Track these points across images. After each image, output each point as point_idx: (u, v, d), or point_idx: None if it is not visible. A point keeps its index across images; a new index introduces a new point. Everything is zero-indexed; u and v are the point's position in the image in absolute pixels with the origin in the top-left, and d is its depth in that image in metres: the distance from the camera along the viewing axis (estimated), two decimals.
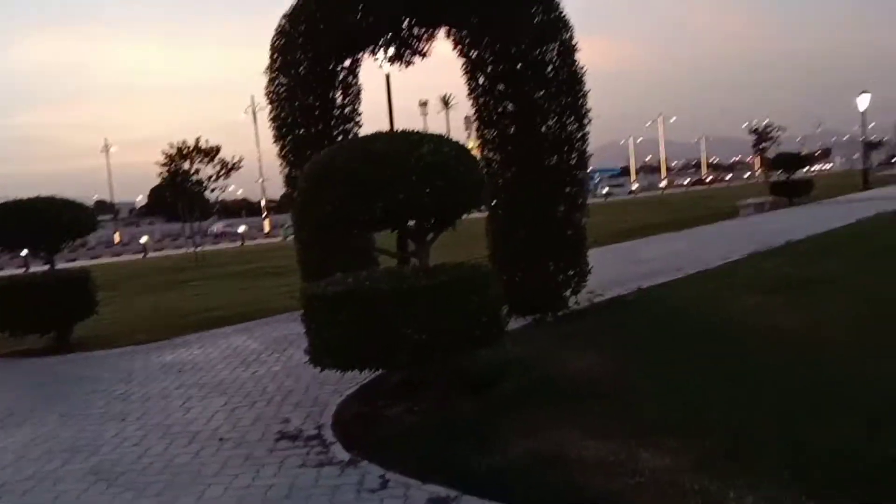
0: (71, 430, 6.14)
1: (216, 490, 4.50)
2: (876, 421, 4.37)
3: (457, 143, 5.61)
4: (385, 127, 14.05)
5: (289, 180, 12.12)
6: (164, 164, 30.99)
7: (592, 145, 9.56)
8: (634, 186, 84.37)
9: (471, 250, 12.19)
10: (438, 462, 4.35)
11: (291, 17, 11.57)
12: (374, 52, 10.97)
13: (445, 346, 5.20)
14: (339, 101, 12.04)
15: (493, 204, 9.28)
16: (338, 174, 5.13)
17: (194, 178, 31.15)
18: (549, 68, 9.18)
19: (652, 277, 11.64)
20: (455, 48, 9.65)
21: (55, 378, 8.45)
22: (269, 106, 12.04)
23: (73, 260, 32.68)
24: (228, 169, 32.03)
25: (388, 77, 13.79)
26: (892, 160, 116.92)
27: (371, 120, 12.63)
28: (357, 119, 12.24)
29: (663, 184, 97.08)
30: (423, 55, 10.95)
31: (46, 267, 10.59)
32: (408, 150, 5.20)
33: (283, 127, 11.95)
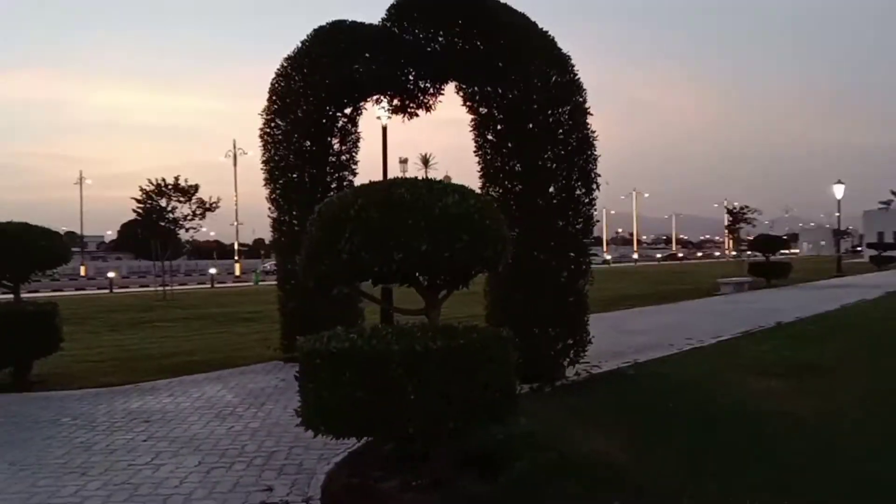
0: (23, 484, 5.45)
1: None
2: None
3: (481, 195, 5.23)
4: (377, 178, 13.71)
5: (277, 225, 11.69)
6: (140, 200, 30.28)
7: None
8: (608, 257, 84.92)
9: (462, 310, 11.77)
10: None
11: (294, 60, 11.30)
12: (377, 102, 10.68)
13: (458, 416, 4.70)
14: (336, 147, 11.73)
15: None
16: (355, 220, 4.69)
17: (170, 215, 30.42)
18: (560, 130, 8.95)
19: (646, 351, 11.28)
20: (465, 104, 9.38)
21: (9, 419, 7.71)
22: (263, 148, 11.66)
23: (35, 291, 31.55)
24: (205, 209, 31.38)
25: (384, 129, 13.49)
26: (857, 248, 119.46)
27: (363, 170, 12.31)
28: (353, 167, 11.92)
29: (636, 256, 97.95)
30: (429, 109, 10.69)
31: (9, 297, 9.90)
32: (432, 198, 4.79)
33: (276, 170, 11.56)
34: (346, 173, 11.82)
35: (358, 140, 11.95)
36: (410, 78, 10.46)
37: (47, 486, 5.37)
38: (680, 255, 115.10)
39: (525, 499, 4.70)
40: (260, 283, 49.39)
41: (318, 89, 11.14)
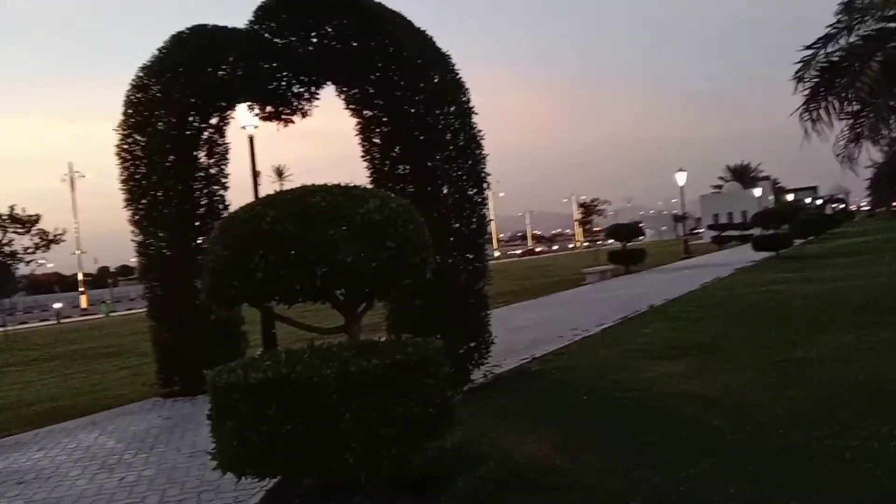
0: None
1: None
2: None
3: (401, 199, 4.92)
4: (245, 192, 13.01)
5: (142, 248, 10.75)
6: None
7: None
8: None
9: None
10: None
11: (151, 69, 10.46)
12: (250, 108, 10.04)
13: (400, 439, 4.35)
14: (203, 161, 10.95)
15: None
16: (270, 235, 4.23)
17: (6, 249, 27.66)
18: (447, 131, 8.76)
19: (539, 345, 11.35)
20: (347, 107, 8.99)
21: None
22: (121, 166, 10.68)
23: None
24: (49, 241, 28.84)
25: (251, 139, 12.78)
26: (696, 231, 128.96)
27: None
28: (224, 181, 11.19)
29: (496, 254, 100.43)
30: (305, 114, 10.18)
31: None
32: (351, 205, 4.42)
33: (138, 189, 10.63)
34: (217, 188, 11.06)
35: (227, 152, 11.22)
36: (283, 83, 9.92)
37: None
38: (538, 249, 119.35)
39: None
40: (111, 313, 46.20)
41: (179, 99, 10.35)
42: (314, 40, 9.23)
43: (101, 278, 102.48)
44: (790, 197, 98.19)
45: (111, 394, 11.41)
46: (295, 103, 10.03)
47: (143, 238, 10.67)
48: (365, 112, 8.90)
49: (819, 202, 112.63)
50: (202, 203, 10.85)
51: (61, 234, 30.47)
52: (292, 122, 10.20)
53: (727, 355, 9.07)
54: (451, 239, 8.51)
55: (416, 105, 8.62)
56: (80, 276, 65.76)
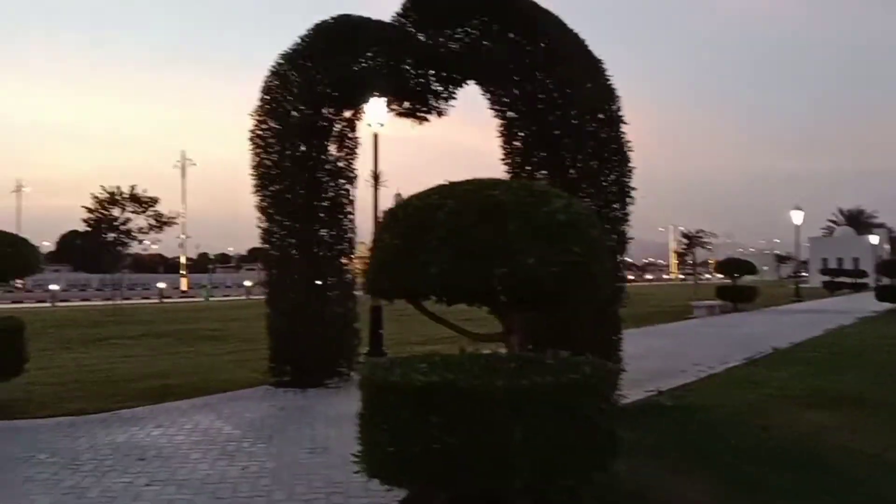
0: None
1: None
2: None
3: (581, 202, 4.49)
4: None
5: (267, 236, 10.71)
6: (91, 209, 28.63)
7: None
8: None
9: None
10: None
11: (291, 56, 10.43)
12: (388, 104, 9.87)
13: (570, 467, 3.91)
14: (333, 153, 10.83)
15: None
16: (445, 226, 3.89)
17: (123, 227, 28.85)
18: (593, 140, 8.28)
19: (662, 378, 10.64)
20: (492, 107, 8.66)
21: None
22: (253, 151, 10.69)
23: None
24: (163, 223, 29.95)
25: (375, 136, 12.66)
26: (799, 273, 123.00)
27: None
28: (352, 176, 11.04)
29: None
30: (441, 113, 9.96)
31: None
32: (535, 202, 4.03)
33: (267, 177, 10.60)
34: (344, 182, 10.94)
35: (356, 147, 11.10)
36: (423, 80, 9.72)
37: None
38: (630, 277, 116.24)
39: None
40: (210, 298, 47.67)
41: (316, 89, 10.28)
42: (462, 38, 8.97)
43: (200, 264, 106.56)
44: None
45: (220, 377, 11.42)
46: (432, 101, 9.82)
47: (269, 226, 10.64)
48: (508, 114, 8.55)
49: None
50: (328, 196, 10.74)
51: (174, 217, 31.64)
52: (427, 120, 10.02)
53: (882, 409, 8.19)
54: None
55: (564, 110, 8.19)
56: (182, 260, 68.59)
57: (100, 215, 28.57)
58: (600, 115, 8.32)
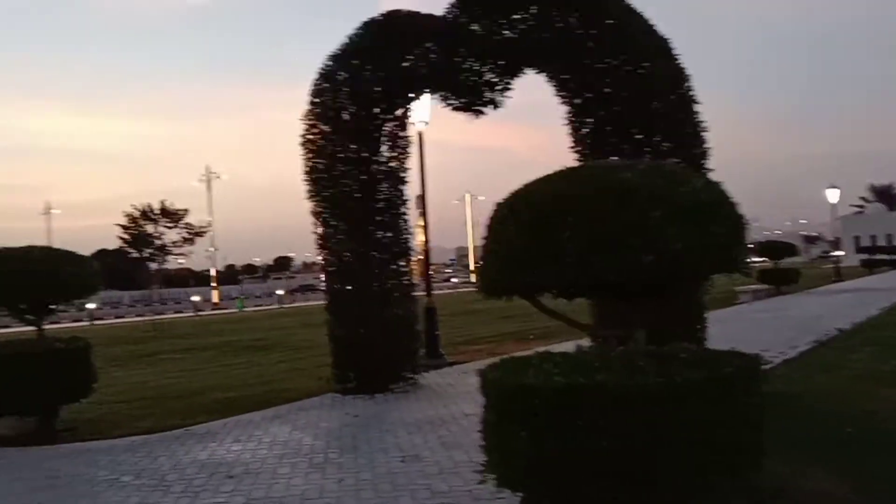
0: None
1: None
2: None
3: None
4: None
5: (324, 241, 10.50)
6: (125, 226, 28.68)
7: None
8: None
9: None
10: None
11: (340, 57, 10.19)
12: (444, 99, 9.60)
13: (722, 469, 3.61)
14: (385, 154, 10.59)
15: None
16: (576, 212, 3.60)
17: (157, 241, 28.89)
18: (666, 122, 7.95)
19: None
20: (558, 93, 8.36)
21: (54, 480, 6.41)
22: (304, 157, 10.47)
23: (5, 326, 29.48)
24: (195, 234, 29.99)
25: (420, 135, 12.42)
26: (828, 254, 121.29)
27: None
28: (404, 176, 10.79)
29: None
30: (496, 105, 9.66)
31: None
32: (671, 184, 3.73)
33: (320, 181, 10.37)
34: (397, 182, 10.69)
35: (408, 146, 10.85)
36: (476, 72, 9.43)
37: None
38: None
39: None
40: (244, 309, 47.86)
41: (366, 88, 10.04)
42: (517, 25, 8.68)
43: (228, 275, 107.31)
44: None
45: (280, 387, 11.23)
46: (488, 94, 9.54)
47: (324, 230, 10.43)
48: (576, 100, 8.24)
49: None
50: (383, 197, 10.50)
51: (205, 228, 31.69)
52: (483, 113, 9.73)
53: None
54: None
55: (634, 92, 7.87)
56: (212, 272, 68.86)
57: (133, 232, 28.63)
58: (671, 97, 7.98)
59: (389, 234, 10.46)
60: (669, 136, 7.83)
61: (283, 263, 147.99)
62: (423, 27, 9.51)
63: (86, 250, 9.25)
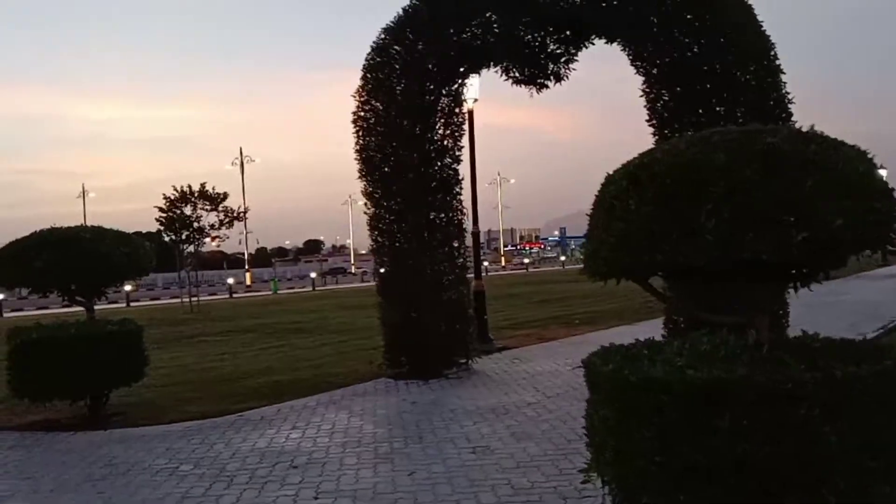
0: None
1: None
2: None
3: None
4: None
5: (375, 222, 10.13)
6: (164, 209, 28.59)
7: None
8: None
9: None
10: None
11: (394, 30, 9.76)
12: (506, 72, 9.12)
13: (887, 471, 3.16)
14: (440, 131, 10.16)
15: None
16: (720, 185, 3.14)
17: (196, 224, 28.78)
18: (750, 93, 7.40)
19: None
20: (633, 63, 7.85)
21: (109, 467, 6.14)
22: (356, 134, 10.09)
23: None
24: (233, 218, 29.82)
25: (471, 113, 11.95)
26: None
27: None
28: (458, 155, 10.35)
29: None
30: (560, 79, 9.17)
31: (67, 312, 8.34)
32: (822, 150, 3.26)
33: (373, 160, 9.98)
34: (450, 161, 10.26)
35: (462, 123, 10.42)
36: (538, 43, 8.94)
37: None
38: None
39: None
40: (277, 291, 47.91)
41: (421, 62, 9.61)
42: None
43: (259, 258, 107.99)
44: None
45: (329, 371, 10.91)
46: (551, 65, 9.05)
47: (376, 211, 10.06)
48: (652, 70, 7.72)
49: None
50: (437, 177, 10.08)
51: (244, 212, 31.53)
52: (546, 86, 9.25)
53: None
54: None
55: (716, 60, 7.33)
56: (246, 255, 69.28)
57: (172, 214, 28.51)
58: (753, 66, 7.42)
59: (443, 216, 10.06)
60: (752, 110, 7.27)
61: (313, 247, 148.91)
62: None
63: None
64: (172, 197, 28.33)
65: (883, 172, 16.55)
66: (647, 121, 7.68)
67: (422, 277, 9.71)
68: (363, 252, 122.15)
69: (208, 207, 28.74)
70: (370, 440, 6.58)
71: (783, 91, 7.43)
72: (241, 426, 7.44)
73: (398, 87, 9.77)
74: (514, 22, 8.82)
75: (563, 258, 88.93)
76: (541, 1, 8.53)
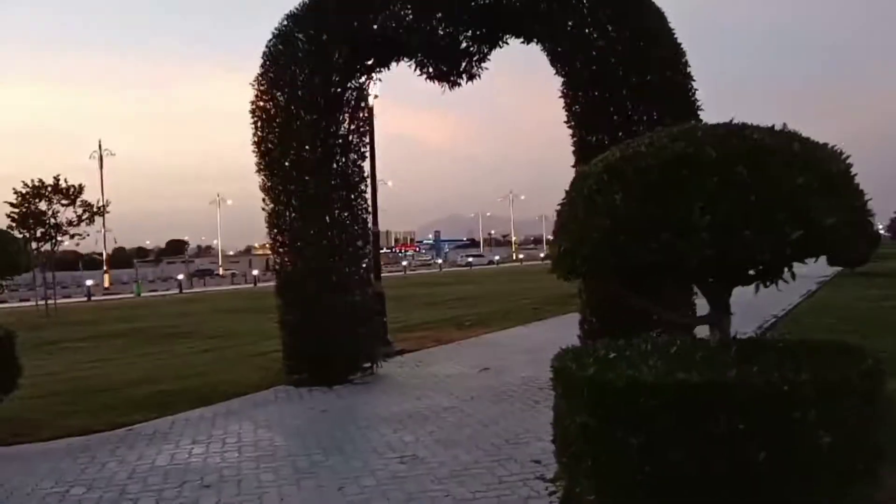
0: None
1: None
2: None
3: None
4: None
5: (274, 219, 9.56)
6: (15, 204, 26.14)
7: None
8: (496, 258, 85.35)
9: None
10: None
11: (297, 17, 9.27)
12: (420, 66, 8.85)
13: (868, 476, 3.16)
14: (345, 125, 9.76)
15: None
16: (712, 180, 3.03)
17: (52, 220, 26.53)
18: (664, 98, 7.52)
19: None
20: (553, 63, 7.79)
21: None
22: (255, 126, 9.50)
23: None
24: (94, 213, 27.73)
25: (371, 109, 11.60)
26: None
27: None
28: (363, 151, 9.99)
29: (521, 256, 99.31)
30: (473, 77, 9.03)
31: None
32: (808, 148, 3.24)
33: (272, 154, 9.43)
34: (355, 157, 9.88)
35: (368, 119, 10.05)
36: (452, 38, 8.75)
37: None
38: None
39: None
40: (141, 294, 45.10)
41: (328, 52, 9.17)
42: None
43: (118, 259, 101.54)
44: None
45: (217, 378, 10.19)
46: (465, 63, 8.89)
47: (275, 207, 9.50)
48: (573, 72, 7.70)
49: None
50: (341, 173, 9.67)
51: (105, 206, 29.46)
52: (459, 84, 9.08)
53: None
54: None
55: (631, 65, 7.41)
56: (104, 255, 64.82)
57: (25, 210, 26.10)
58: (669, 73, 7.56)
59: (347, 214, 9.65)
60: (667, 115, 7.39)
61: (176, 247, 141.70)
62: None
63: None
64: (24, 191, 25.98)
65: None
66: (566, 122, 7.65)
67: (325, 278, 9.26)
68: (231, 253, 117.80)
69: (65, 202, 26.59)
70: (285, 453, 6.11)
71: (694, 97, 7.61)
72: (134, 441, 6.74)
73: (301, 78, 9.27)
74: (426, 15, 8.58)
75: (440, 261, 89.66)
76: None
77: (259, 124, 9.44)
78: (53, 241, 27.85)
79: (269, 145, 9.40)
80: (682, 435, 3.02)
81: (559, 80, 7.73)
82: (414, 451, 5.96)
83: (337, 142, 9.63)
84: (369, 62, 9.45)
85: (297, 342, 9.33)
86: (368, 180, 10.27)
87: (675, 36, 7.66)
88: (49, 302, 27.20)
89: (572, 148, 7.61)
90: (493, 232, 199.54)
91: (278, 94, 9.37)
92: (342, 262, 9.47)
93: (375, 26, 8.88)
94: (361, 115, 9.91)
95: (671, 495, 3.08)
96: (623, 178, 3.27)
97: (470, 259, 79.60)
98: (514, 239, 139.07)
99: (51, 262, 30.20)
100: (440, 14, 8.49)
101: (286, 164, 9.37)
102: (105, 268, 64.72)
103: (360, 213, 9.83)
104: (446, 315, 19.23)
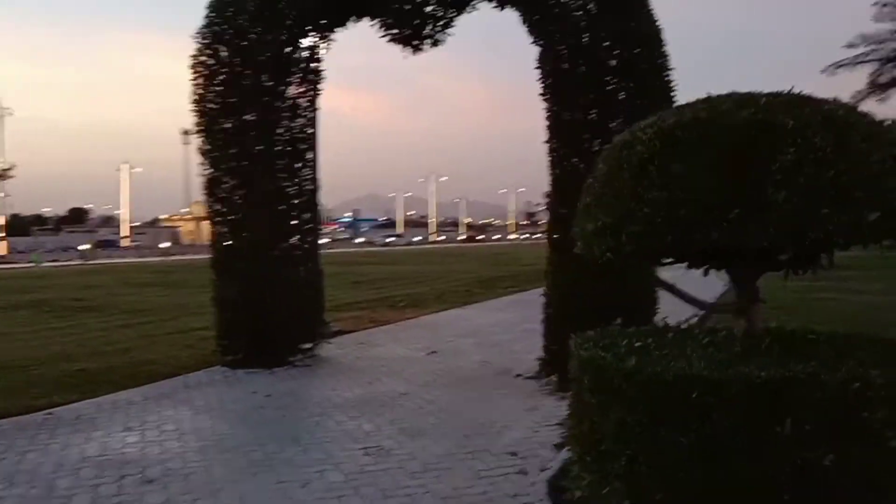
0: None
1: None
2: None
3: None
4: None
5: (211, 187, 8.81)
6: None
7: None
8: (416, 238, 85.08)
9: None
10: None
11: None
12: (384, 27, 8.26)
13: None
14: (292, 88, 9.07)
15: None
16: (793, 153, 2.69)
17: None
18: (643, 79, 7.21)
19: None
20: (530, 35, 7.37)
21: None
22: (195, 82, 8.70)
23: None
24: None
25: (320, 72, 10.90)
26: None
27: None
28: (313, 117, 9.32)
29: (442, 237, 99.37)
30: (436, 43, 8.52)
31: None
32: (875, 122, 2.94)
33: (213, 113, 8.68)
34: (304, 122, 9.20)
35: (320, 81, 9.36)
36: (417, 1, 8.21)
37: None
38: (479, 237, 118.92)
39: None
40: (42, 264, 42.39)
41: (279, 7, 8.47)
42: None
43: (14, 226, 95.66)
44: None
45: (142, 357, 9.39)
46: (429, 28, 8.38)
47: (214, 173, 8.74)
48: (544, 43, 7.31)
49: None
50: (287, 138, 8.98)
51: (9, 170, 27.34)
52: (422, 49, 8.56)
53: None
54: None
55: (612, 44, 7.09)
56: (2, 222, 60.68)
57: None
58: (647, 51, 7.28)
59: (292, 181, 8.99)
60: (646, 93, 7.12)
61: (78, 216, 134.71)
62: None
63: None
64: None
65: None
66: (541, 95, 7.26)
67: (267, 253, 8.61)
68: (138, 224, 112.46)
69: None
70: (233, 443, 5.52)
71: (670, 81, 7.36)
72: (55, 428, 5.99)
73: (250, 34, 8.53)
74: None
75: (360, 239, 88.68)
76: None
77: (199, 80, 8.64)
78: None
79: (210, 105, 8.63)
80: (741, 435, 2.69)
81: (535, 50, 7.30)
82: (377, 442, 5.49)
83: (284, 104, 8.93)
84: (324, 21, 8.78)
85: (235, 320, 8.64)
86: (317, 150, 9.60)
87: (654, 14, 7.39)
88: None
89: (546, 123, 7.23)
90: (412, 213, 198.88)
91: (222, 48, 8.60)
92: (285, 235, 8.83)
93: None
94: (312, 77, 9.22)
95: (722, 499, 2.75)
96: (682, 145, 2.88)
97: (390, 239, 79.07)
98: (433, 220, 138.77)
99: None
100: None
101: (227, 126, 8.63)
102: (2, 234, 60.63)
103: (305, 183, 9.18)
104: (377, 295, 18.72)
